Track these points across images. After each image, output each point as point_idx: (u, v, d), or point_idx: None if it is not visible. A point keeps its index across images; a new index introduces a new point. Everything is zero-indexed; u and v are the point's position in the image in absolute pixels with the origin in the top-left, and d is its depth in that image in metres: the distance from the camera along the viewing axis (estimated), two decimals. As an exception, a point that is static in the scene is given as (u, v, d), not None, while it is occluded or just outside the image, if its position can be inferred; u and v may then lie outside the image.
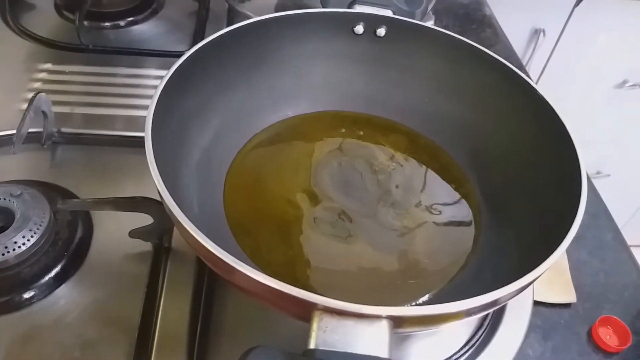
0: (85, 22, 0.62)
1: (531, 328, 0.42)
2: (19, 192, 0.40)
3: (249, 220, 0.40)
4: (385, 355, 0.24)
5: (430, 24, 0.46)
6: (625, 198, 1.29)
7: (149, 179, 0.30)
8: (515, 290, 0.27)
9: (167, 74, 0.36)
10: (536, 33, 1.01)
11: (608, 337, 0.44)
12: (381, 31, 0.47)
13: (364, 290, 0.38)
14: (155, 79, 0.58)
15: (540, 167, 0.39)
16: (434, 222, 0.42)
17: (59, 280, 0.40)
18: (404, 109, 0.49)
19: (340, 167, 0.45)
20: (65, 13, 0.66)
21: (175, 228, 0.40)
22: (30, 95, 0.46)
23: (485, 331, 0.40)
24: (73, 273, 0.40)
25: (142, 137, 0.32)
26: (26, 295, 0.38)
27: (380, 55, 0.48)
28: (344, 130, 0.49)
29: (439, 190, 0.45)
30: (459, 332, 0.40)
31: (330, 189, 0.43)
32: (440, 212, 0.43)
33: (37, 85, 0.55)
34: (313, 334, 0.24)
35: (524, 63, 1.01)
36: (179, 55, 0.38)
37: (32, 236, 0.38)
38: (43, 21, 0.64)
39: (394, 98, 0.49)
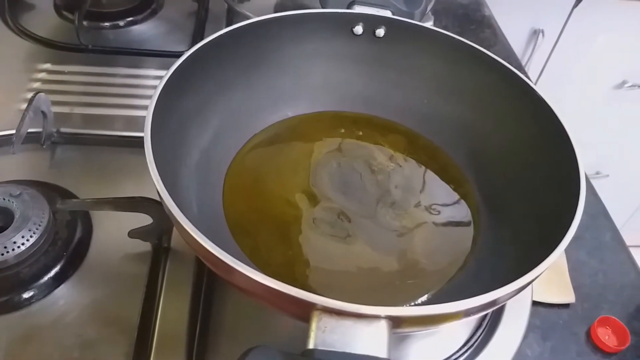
0: (85, 22, 0.62)
1: (530, 328, 0.42)
2: (18, 192, 0.40)
3: (248, 221, 0.40)
4: (384, 355, 0.24)
5: (429, 24, 0.47)
6: (624, 198, 1.29)
7: (148, 179, 0.30)
8: (514, 291, 0.27)
9: (167, 74, 0.36)
10: (535, 33, 1.01)
11: (607, 337, 0.44)
12: (380, 32, 0.47)
13: (363, 290, 0.38)
14: (154, 79, 0.58)
15: (539, 168, 0.39)
16: (432, 223, 0.42)
17: (58, 280, 0.40)
18: (403, 109, 0.49)
19: (340, 168, 0.45)
20: (65, 13, 0.66)
21: (174, 228, 0.40)
22: (29, 95, 0.46)
23: (484, 331, 0.40)
24: (72, 273, 0.40)
25: (142, 137, 0.32)
26: (25, 295, 0.38)
27: (380, 55, 0.48)
28: (343, 130, 0.49)
29: (438, 190, 0.45)
30: (457, 332, 0.40)
31: (330, 189, 0.43)
32: (439, 213, 0.43)
33: (37, 85, 0.55)
34: (312, 334, 0.24)
35: (523, 63, 1.01)
36: (178, 55, 0.38)
37: (31, 236, 0.38)
38: (42, 21, 0.64)
39: (393, 98, 0.49)
